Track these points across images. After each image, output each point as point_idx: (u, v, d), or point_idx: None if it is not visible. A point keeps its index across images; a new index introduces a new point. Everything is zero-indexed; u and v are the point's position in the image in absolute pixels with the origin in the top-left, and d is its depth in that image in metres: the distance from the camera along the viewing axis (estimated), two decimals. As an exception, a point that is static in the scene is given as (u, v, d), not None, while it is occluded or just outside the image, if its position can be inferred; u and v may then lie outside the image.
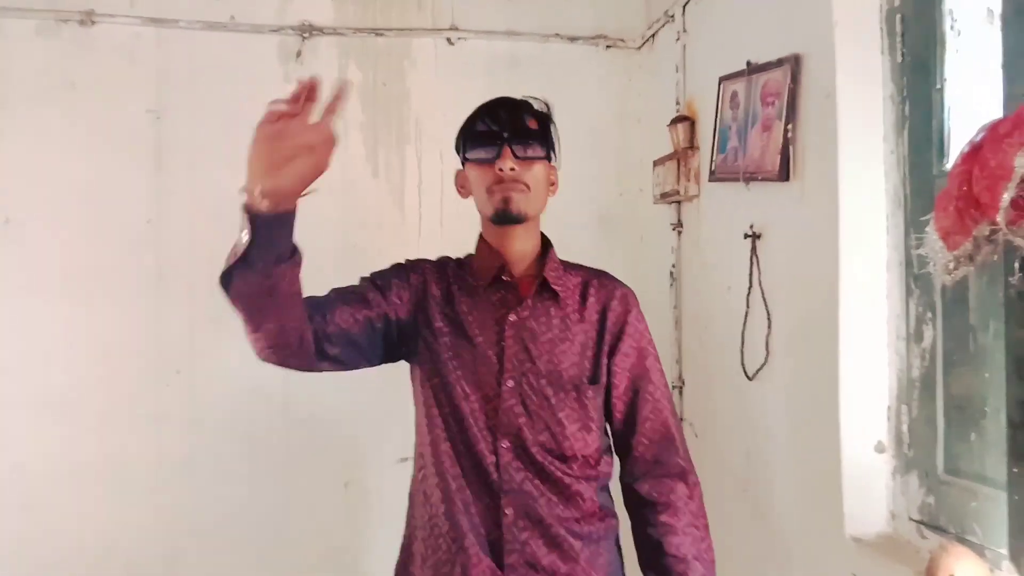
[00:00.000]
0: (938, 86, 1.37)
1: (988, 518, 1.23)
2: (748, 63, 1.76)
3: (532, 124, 1.36)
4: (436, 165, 2.39)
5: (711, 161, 1.93)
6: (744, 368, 1.78)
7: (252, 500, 2.24)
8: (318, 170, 1.02)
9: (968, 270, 1.04)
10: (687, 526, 1.30)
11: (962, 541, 1.26)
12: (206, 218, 2.25)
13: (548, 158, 1.38)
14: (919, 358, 1.40)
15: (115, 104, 2.22)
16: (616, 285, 1.42)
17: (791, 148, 1.59)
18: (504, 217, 1.33)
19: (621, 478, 1.39)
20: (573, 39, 2.45)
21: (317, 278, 2.36)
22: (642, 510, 1.34)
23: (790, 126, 1.59)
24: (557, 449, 1.29)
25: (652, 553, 1.30)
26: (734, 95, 1.84)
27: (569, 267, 1.42)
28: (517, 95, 1.38)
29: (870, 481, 1.46)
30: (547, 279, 1.36)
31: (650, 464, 1.35)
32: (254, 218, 1.03)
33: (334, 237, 2.32)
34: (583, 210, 2.44)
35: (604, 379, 1.35)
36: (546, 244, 1.42)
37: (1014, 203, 0.95)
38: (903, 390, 1.43)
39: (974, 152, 1.02)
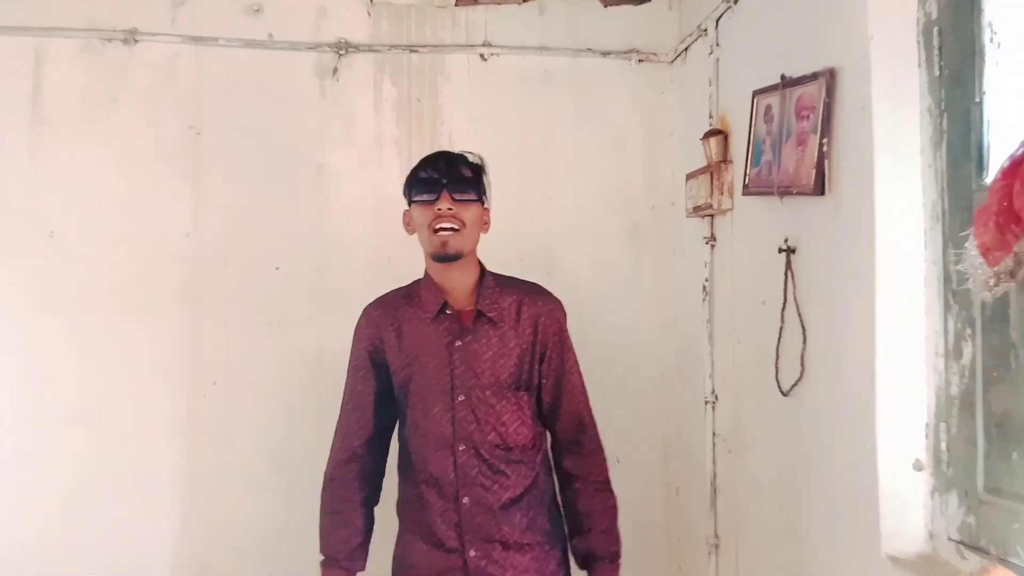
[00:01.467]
0: (977, 99, 1.34)
1: (1032, 540, 1.20)
2: (782, 77, 1.75)
3: (467, 173, 1.64)
4: (469, 179, 2.41)
5: (745, 175, 1.92)
6: (779, 384, 1.76)
7: (285, 513, 2.26)
8: None
9: (1009, 286, 1.02)
10: (595, 490, 1.69)
11: (1004, 563, 1.23)
12: (243, 231, 2.30)
13: (481, 201, 1.65)
14: (958, 375, 1.38)
15: (155, 120, 2.28)
16: (546, 301, 1.71)
17: (826, 162, 1.58)
18: (443, 257, 1.61)
19: (552, 451, 1.72)
20: (605, 54, 2.46)
21: (351, 291, 2.41)
22: (563, 478, 1.72)
23: (825, 140, 1.58)
24: (502, 444, 1.62)
25: (570, 510, 1.70)
26: (768, 109, 1.83)
27: (504, 285, 1.69)
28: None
29: (908, 500, 1.43)
30: (496, 306, 1.65)
31: (570, 443, 1.71)
32: None
33: (368, 251, 2.35)
34: (615, 224, 2.45)
35: (536, 381, 1.67)
36: (483, 272, 1.69)
37: (1057, 219, 0.93)
38: (941, 407, 1.41)
39: (1015, 166, 1.00)
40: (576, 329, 2.42)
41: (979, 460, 1.33)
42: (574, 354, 1.73)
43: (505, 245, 2.38)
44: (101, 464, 2.20)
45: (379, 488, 1.72)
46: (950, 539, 1.38)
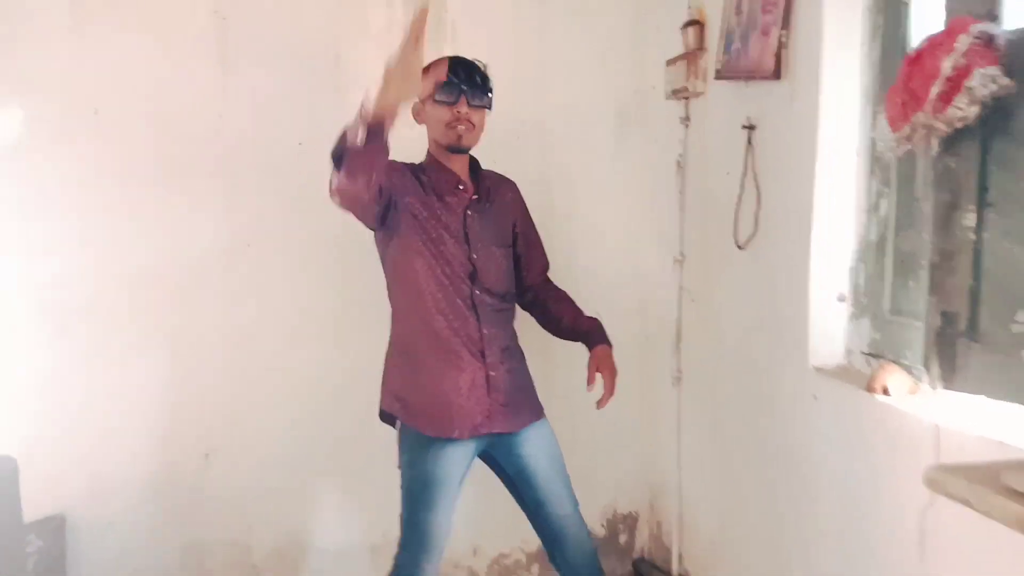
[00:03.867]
0: (905, 1, 1.65)
1: (917, 344, 1.59)
2: (752, -25, 2.02)
3: (480, 81, 1.95)
4: (470, 64, 2.66)
5: (717, 61, 2.22)
6: (736, 240, 2.13)
7: (316, 363, 2.59)
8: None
9: (907, 148, 1.36)
10: (571, 307, 2.19)
11: (897, 363, 1.63)
12: (271, 110, 2.54)
13: (487, 108, 1.98)
14: (876, 225, 1.74)
15: (184, 4, 2.47)
16: (512, 183, 2.15)
17: (784, 51, 1.88)
18: (456, 149, 1.98)
19: (526, 291, 2.18)
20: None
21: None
22: (539, 304, 2.20)
23: (784, 31, 1.88)
24: (503, 290, 2.04)
25: (555, 323, 2.18)
26: (739, 3, 2.10)
27: (485, 171, 2.10)
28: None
29: (832, 325, 1.83)
30: (488, 187, 2.06)
31: (542, 284, 2.22)
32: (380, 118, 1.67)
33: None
34: (602, 106, 2.73)
35: (511, 241, 2.10)
36: (475, 160, 2.08)
37: (939, 96, 1.27)
38: (862, 251, 1.78)
39: (917, 56, 1.33)
40: (566, 200, 2.74)
41: (887, 289, 1.72)
42: (530, 215, 2.19)
43: (503, 124, 2.67)
44: (152, 320, 2.50)
45: None
46: (862, 352, 1.79)
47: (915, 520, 1.46)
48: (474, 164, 2.08)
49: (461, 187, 2.01)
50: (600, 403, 2.06)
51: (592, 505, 2.73)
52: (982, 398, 1.41)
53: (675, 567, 2.65)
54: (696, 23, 2.36)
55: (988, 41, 1.25)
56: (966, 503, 0.89)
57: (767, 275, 2.02)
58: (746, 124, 2.07)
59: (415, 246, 1.96)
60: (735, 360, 2.21)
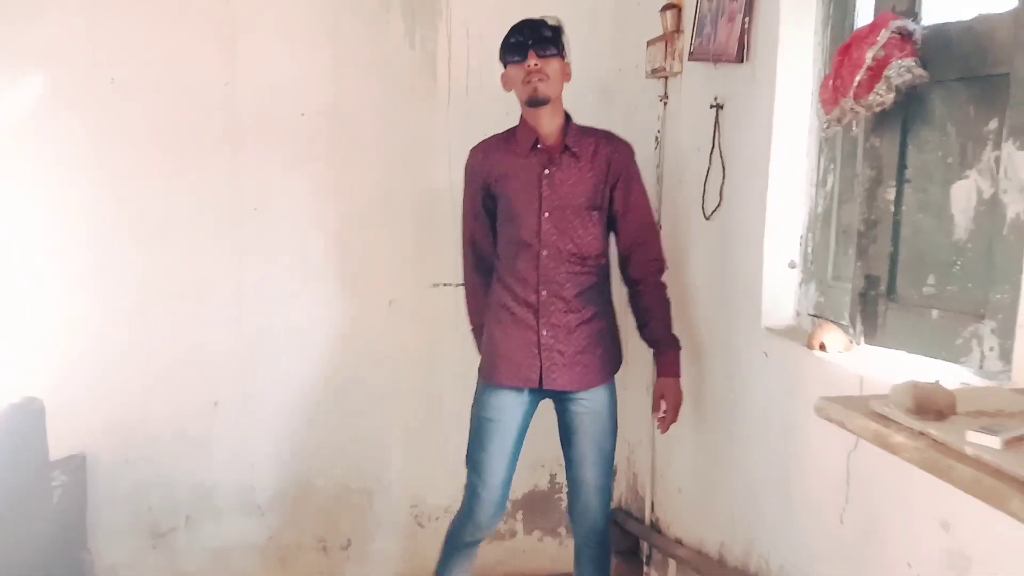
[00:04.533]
0: (851, -7, 1.81)
1: (851, 306, 1.77)
2: (722, -36, 2.17)
3: (547, 33, 2.06)
4: (463, 41, 2.82)
5: (690, 43, 2.37)
6: (704, 211, 2.30)
7: (320, 313, 2.81)
8: None
9: (836, 129, 1.53)
10: (653, 289, 2.25)
11: (835, 323, 1.81)
12: (272, 82, 2.71)
13: (561, 56, 2.08)
14: (823, 198, 1.91)
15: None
16: (619, 142, 2.19)
17: (747, 37, 2.04)
18: (534, 101, 2.06)
19: (623, 259, 2.25)
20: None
21: (363, 133, 2.85)
22: (629, 282, 2.27)
23: (747, 19, 2.03)
24: (577, 252, 2.11)
25: (635, 307, 2.29)
26: (711, -11, 2.26)
27: (586, 131, 2.17)
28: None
29: (782, 289, 2.01)
30: (567, 145, 2.12)
31: (634, 244, 2.21)
32: None
33: (378, 102, 2.79)
34: (588, 84, 2.87)
35: (606, 204, 2.15)
36: (568, 118, 2.16)
37: (862, 84, 1.43)
38: (811, 222, 1.96)
39: (846, 47, 1.49)
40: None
41: (830, 257, 1.89)
42: (641, 181, 2.22)
43: (494, 101, 2.84)
44: (165, 275, 2.69)
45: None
46: (808, 314, 1.97)
47: (843, 461, 1.66)
48: (568, 121, 2.16)
49: (540, 145, 2.11)
50: (662, 427, 2.29)
51: (572, 457, 2.94)
52: (901, 352, 1.59)
53: (647, 515, 2.86)
54: (674, 6, 2.51)
55: (906, 35, 1.41)
56: (841, 425, 1.07)
57: (728, 244, 2.20)
58: (714, 103, 2.23)
59: (500, 215, 2.18)
60: (700, 322, 2.40)
